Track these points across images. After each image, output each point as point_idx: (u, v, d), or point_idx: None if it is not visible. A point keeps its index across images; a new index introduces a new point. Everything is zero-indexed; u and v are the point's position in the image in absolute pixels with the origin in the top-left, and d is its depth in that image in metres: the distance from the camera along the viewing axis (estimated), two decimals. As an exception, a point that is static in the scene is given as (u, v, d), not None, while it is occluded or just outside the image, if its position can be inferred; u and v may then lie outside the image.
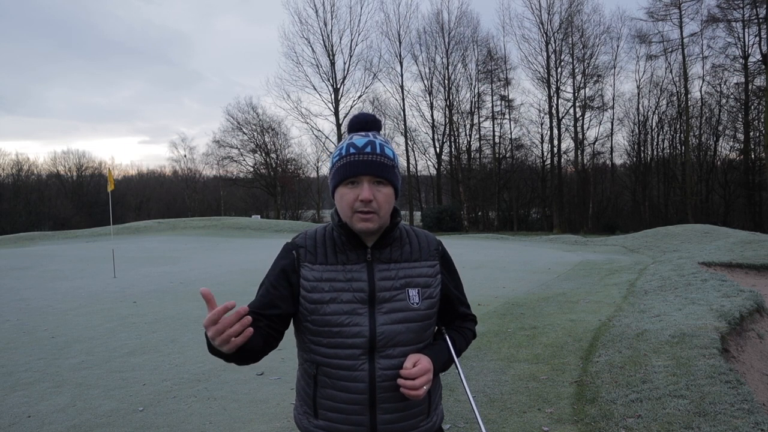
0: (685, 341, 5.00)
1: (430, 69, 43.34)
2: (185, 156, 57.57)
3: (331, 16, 41.62)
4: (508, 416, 3.89)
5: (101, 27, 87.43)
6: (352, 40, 41.94)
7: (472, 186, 43.12)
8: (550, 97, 41.25)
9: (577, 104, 41.11)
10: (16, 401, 4.53)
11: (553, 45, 40.85)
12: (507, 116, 44.36)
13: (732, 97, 38.60)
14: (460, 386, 4.34)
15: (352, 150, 1.49)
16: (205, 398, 4.51)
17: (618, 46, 42.61)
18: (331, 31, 41.50)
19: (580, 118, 41.31)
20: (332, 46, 41.28)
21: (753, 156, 37.99)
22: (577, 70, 41.04)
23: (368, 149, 1.49)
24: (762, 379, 4.80)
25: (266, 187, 47.65)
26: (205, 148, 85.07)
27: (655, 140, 42.98)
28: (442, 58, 42.86)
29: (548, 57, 40.91)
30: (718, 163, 40.53)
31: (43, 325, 7.43)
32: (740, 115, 37.81)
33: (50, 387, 4.87)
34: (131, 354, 5.91)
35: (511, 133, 44.45)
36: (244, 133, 47.56)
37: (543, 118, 42.73)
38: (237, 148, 47.93)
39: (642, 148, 42.84)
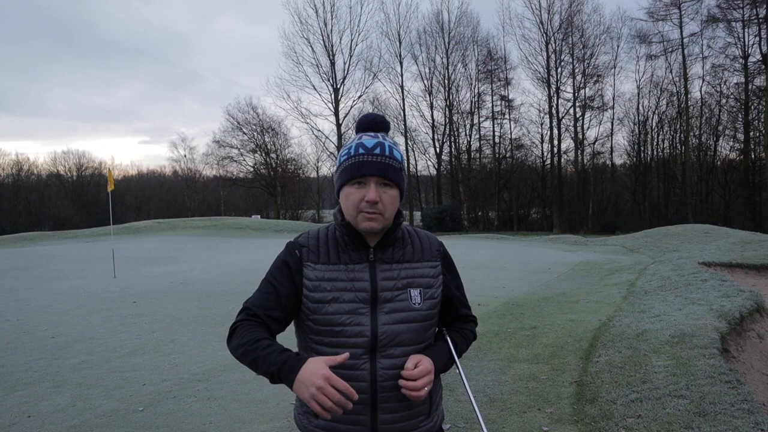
0: (685, 341, 5.00)
1: (430, 69, 43.44)
2: (185, 156, 57.69)
3: (331, 16, 41.69)
4: (508, 416, 3.89)
5: (101, 27, 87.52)
6: (352, 40, 42.02)
7: (472, 186, 43.14)
8: (550, 97, 41.26)
9: (577, 104, 41.15)
10: (16, 401, 4.53)
11: (553, 45, 40.89)
12: (507, 116, 44.45)
13: (732, 97, 38.63)
14: (460, 386, 4.34)
15: (361, 150, 1.50)
16: (205, 398, 4.51)
17: (618, 46, 42.67)
18: (331, 31, 41.57)
19: (580, 118, 41.36)
20: (332, 46, 41.37)
21: (753, 156, 38.01)
22: (577, 70, 41.09)
23: (377, 150, 1.49)
24: (762, 379, 4.80)
25: (266, 187, 47.67)
26: (205, 148, 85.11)
27: (655, 140, 43.03)
28: (442, 58, 42.97)
29: (548, 57, 40.92)
30: (718, 163, 40.52)
31: (43, 325, 7.43)
32: (740, 115, 37.81)
33: (50, 387, 4.87)
34: (131, 354, 5.92)
35: (511, 133, 44.56)
36: (244, 133, 47.65)
37: (543, 118, 42.83)
38: (237, 148, 48.04)
39: (642, 148, 42.87)
